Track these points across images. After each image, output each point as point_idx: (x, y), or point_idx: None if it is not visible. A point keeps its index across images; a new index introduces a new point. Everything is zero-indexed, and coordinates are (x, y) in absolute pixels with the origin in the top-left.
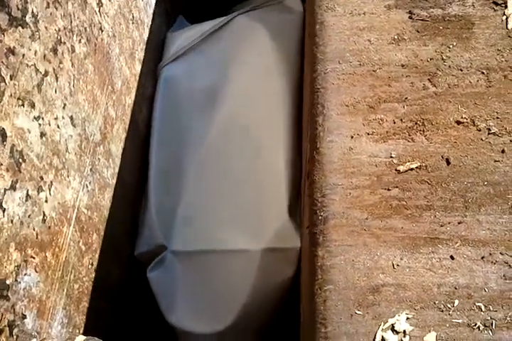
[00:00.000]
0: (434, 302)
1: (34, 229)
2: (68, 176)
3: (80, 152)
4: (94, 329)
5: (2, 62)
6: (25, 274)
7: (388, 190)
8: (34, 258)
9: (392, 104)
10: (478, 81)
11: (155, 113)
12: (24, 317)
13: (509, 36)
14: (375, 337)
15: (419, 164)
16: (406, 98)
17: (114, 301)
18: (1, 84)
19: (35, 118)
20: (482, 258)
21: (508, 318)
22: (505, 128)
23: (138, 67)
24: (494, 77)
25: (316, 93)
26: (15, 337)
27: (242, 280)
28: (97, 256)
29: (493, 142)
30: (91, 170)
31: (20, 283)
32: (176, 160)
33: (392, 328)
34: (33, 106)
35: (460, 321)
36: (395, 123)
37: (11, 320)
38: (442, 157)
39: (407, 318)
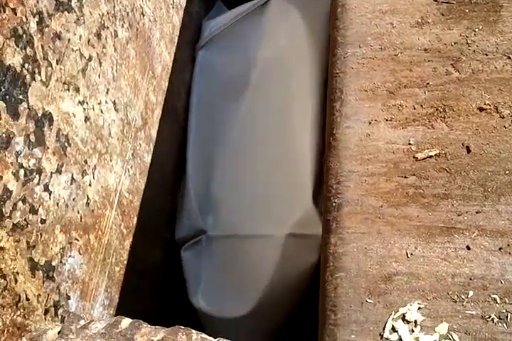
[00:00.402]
0: (448, 293)
1: (78, 212)
2: (111, 160)
3: (122, 137)
4: (133, 311)
5: (49, 46)
6: (69, 256)
7: (405, 177)
8: (78, 240)
9: (412, 89)
10: (504, 66)
11: (192, 98)
12: (68, 298)
13: None
14: (385, 326)
15: (438, 151)
16: (427, 83)
17: (153, 284)
18: (48, 69)
19: (79, 102)
20: (500, 249)
21: None
22: None
23: (177, 53)
24: None
25: (334, 78)
26: (59, 317)
27: (265, 266)
28: (137, 239)
29: None
30: (132, 154)
31: (64, 264)
32: (211, 146)
33: (403, 318)
34: (77, 90)
35: (474, 313)
36: (415, 109)
37: (56, 301)
38: (463, 144)
39: (419, 308)
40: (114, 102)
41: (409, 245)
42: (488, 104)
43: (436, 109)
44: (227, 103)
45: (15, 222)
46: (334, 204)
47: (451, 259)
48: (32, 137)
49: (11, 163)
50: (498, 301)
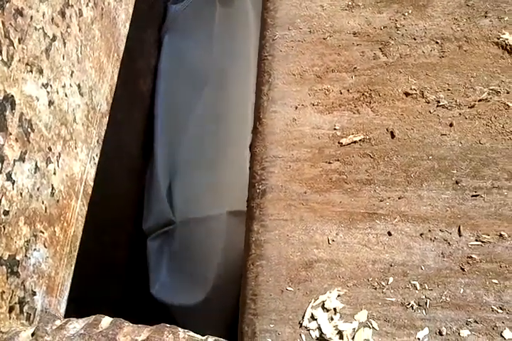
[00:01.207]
0: (368, 280)
1: (43, 203)
2: (76, 148)
3: (87, 122)
4: (101, 305)
5: (10, 24)
6: (34, 249)
7: (329, 163)
8: (43, 232)
9: (340, 73)
10: (431, 51)
11: (158, 84)
12: (34, 293)
13: (467, 5)
14: (304, 315)
15: (362, 137)
16: (355, 68)
17: (120, 277)
18: (9, 48)
19: (43, 85)
20: (421, 234)
21: (443, 297)
22: (456, 101)
23: (143, 35)
24: (448, 47)
25: (263, 61)
26: (25, 314)
27: (214, 250)
28: (103, 230)
29: (441, 115)
30: (97, 141)
31: (29, 258)
32: (177, 134)
33: (323, 305)
34: (41, 72)
35: (393, 299)
36: (341, 93)
37: (21, 297)
38: (387, 130)
39: (338, 295)
40: (78, 85)
41: (331, 231)
42: (414, 89)
43: (363, 94)
44: (192, 90)
45: None
46: (258, 190)
47: (372, 245)
48: None
49: None
50: (418, 287)
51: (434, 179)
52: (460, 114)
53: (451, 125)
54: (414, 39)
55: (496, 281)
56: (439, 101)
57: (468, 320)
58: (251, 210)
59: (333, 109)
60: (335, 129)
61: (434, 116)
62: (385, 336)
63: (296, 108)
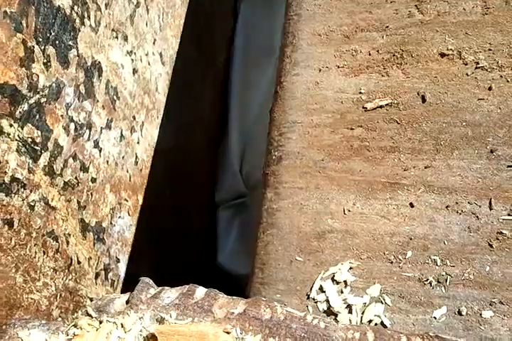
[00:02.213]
0: (384, 253)
1: (128, 171)
2: (158, 117)
3: (168, 92)
4: (179, 274)
5: None
6: (119, 217)
7: (351, 129)
8: (127, 201)
9: (370, 33)
10: (473, 7)
11: (234, 54)
12: (118, 260)
13: None
14: (312, 286)
15: (390, 101)
16: (387, 27)
17: (195, 244)
18: (97, 13)
19: (128, 52)
20: (447, 207)
21: (466, 275)
22: (497, 62)
23: (219, 6)
24: (493, 2)
25: (288, 21)
26: (110, 280)
27: None
28: (181, 199)
29: (480, 78)
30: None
31: (114, 226)
32: (252, 106)
33: (333, 278)
34: (126, 39)
35: (410, 275)
36: (370, 55)
37: (106, 264)
38: (418, 93)
39: (351, 268)
40: (160, 54)
41: (348, 201)
42: (451, 49)
43: (394, 55)
44: (264, 65)
45: (66, 180)
46: (274, 157)
47: (392, 217)
48: (82, 88)
49: (62, 115)
50: (439, 263)
51: (467, 147)
52: (501, 76)
53: (490, 88)
54: None
55: None
56: (478, 63)
57: (493, 300)
58: (266, 177)
59: (359, 71)
60: (360, 93)
61: (472, 79)
62: (398, 313)
63: (320, 70)
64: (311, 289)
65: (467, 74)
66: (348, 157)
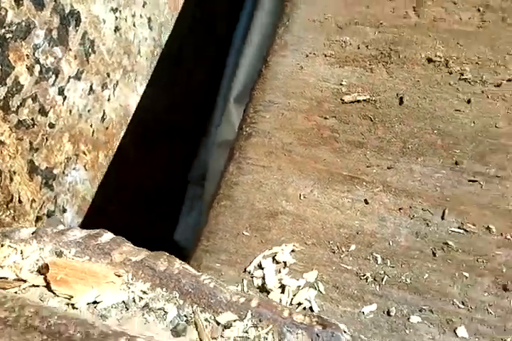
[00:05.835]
0: (329, 242)
1: (91, 126)
2: (135, 80)
3: (152, 58)
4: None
5: None
6: (73, 168)
7: (325, 118)
8: (86, 154)
9: (363, 27)
10: (470, 18)
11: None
12: (64, 210)
13: None
14: (252, 261)
15: (368, 97)
16: (381, 24)
17: (152, 211)
18: None
19: (112, 9)
20: (400, 209)
21: (403, 278)
22: (482, 77)
23: None
24: (490, 17)
25: (286, 3)
26: None
27: None
28: (148, 166)
29: (461, 89)
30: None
31: (67, 175)
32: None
33: (274, 257)
34: None
35: (349, 267)
36: (359, 48)
37: (50, 210)
38: (397, 94)
39: (293, 250)
40: (149, 19)
41: (306, 187)
42: (439, 55)
43: (381, 53)
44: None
45: (21, 119)
46: (245, 132)
47: (345, 209)
48: (54, 33)
49: (27, 55)
50: (379, 261)
51: (433, 155)
52: (482, 91)
53: (469, 101)
54: (454, 3)
55: (467, 275)
56: (462, 74)
57: (424, 307)
58: (231, 151)
59: (345, 63)
60: (341, 85)
61: (453, 89)
62: (329, 301)
63: (307, 56)
64: (250, 264)
65: (450, 83)
66: (316, 145)
